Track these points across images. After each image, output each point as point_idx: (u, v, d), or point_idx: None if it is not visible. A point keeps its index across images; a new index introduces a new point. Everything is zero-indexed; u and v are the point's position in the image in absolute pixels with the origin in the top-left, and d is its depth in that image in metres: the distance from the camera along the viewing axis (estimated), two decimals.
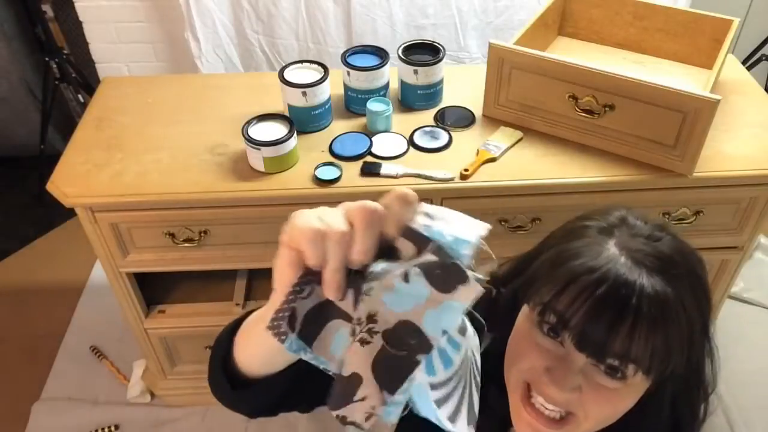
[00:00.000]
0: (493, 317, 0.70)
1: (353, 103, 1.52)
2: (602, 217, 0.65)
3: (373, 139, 1.44)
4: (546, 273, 0.64)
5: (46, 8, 2.42)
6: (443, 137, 1.44)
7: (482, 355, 0.68)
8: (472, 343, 0.57)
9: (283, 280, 0.50)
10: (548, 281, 0.62)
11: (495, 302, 0.73)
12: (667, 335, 0.59)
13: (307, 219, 0.49)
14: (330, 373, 0.52)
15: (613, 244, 0.61)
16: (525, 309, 0.67)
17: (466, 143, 1.43)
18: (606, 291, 0.58)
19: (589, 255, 0.61)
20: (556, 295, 0.61)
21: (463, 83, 1.59)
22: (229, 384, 0.70)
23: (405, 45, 1.53)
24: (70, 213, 1.38)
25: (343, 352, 0.50)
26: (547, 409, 0.64)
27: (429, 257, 0.49)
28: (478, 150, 1.40)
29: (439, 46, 1.51)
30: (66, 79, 2.41)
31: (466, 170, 1.34)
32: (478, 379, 0.58)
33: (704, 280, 0.64)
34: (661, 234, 0.63)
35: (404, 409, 0.50)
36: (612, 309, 0.58)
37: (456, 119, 1.50)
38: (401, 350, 0.48)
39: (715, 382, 0.70)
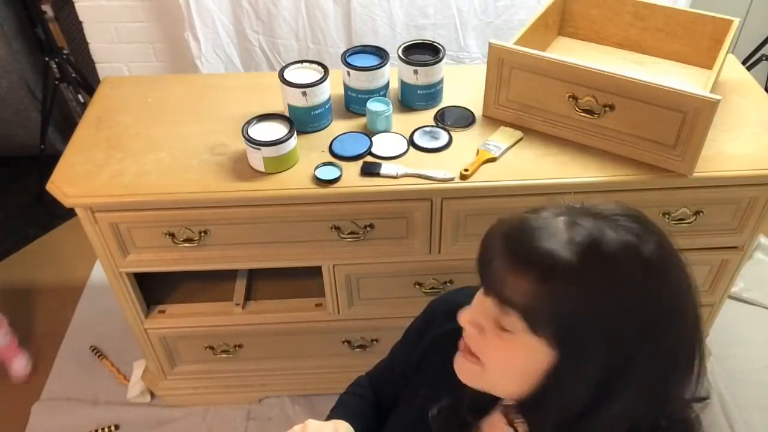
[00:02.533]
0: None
1: (353, 103, 1.52)
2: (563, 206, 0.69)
3: (373, 139, 1.44)
4: (487, 233, 0.69)
5: (46, 8, 2.42)
6: (443, 137, 1.44)
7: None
8: None
9: None
10: (486, 238, 0.68)
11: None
12: (554, 297, 0.61)
13: None
14: None
15: (554, 210, 0.66)
16: None
17: (466, 143, 1.43)
18: (514, 234, 0.64)
19: (525, 212, 0.67)
20: (485, 242, 0.67)
21: (463, 83, 1.59)
22: None
23: (405, 45, 1.53)
24: (70, 213, 1.38)
25: None
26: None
27: None
28: (478, 150, 1.40)
29: (439, 46, 1.51)
30: (66, 79, 2.41)
31: (466, 170, 1.34)
32: None
33: (636, 280, 0.62)
34: (620, 217, 0.65)
35: None
36: (511, 250, 0.63)
37: (456, 119, 1.50)
38: None
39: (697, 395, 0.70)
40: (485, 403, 0.80)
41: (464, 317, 0.70)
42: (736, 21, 1.49)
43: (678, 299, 0.65)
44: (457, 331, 0.78)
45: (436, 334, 0.91)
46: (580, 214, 0.65)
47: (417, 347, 0.93)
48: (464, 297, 0.91)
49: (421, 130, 1.46)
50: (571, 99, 1.35)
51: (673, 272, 0.65)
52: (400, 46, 1.52)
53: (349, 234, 1.43)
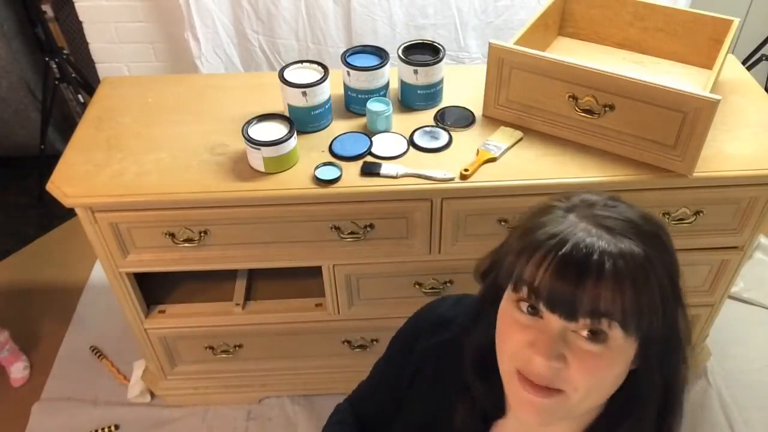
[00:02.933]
0: (478, 312, 0.75)
1: (353, 103, 1.52)
2: (565, 200, 0.69)
3: (373, 139, 1.44)
4: (514, 248, 0.67)
5: (46, 8, 2.42)
6: (443, 137, 1.44)
7: (471, 349, 0.73)
8: None
9: None
10: (517, 255, 0.65)
11: (481, 297, 0.76)
12: (636, 289, 0.61)
13: None
14: None
15: (573, 216, 0.66)
16: (505, 294, 0.69)
17: (466, 143, 1.43)
18: (568, 250, 0.61)
19: (552, 224, 0.64)
20: (523, 265, 0.64)
21: (463, 83, 1.59)
22: None
23: (405, 45, 1.53)
24: (70, 213, 1.38)
25: None
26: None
27: None
28: (478, 150, 1.40)
29: (439, 46, 1.51)
30: (66, 79, 2.41)
31: (466, 170, 1.34)
32: None
33: (665, 240, 0.68)
34: (615, 203, 0.70)
35: None
36: (575, 266, 0.61)
37: (456, 119, 1.50)
38: None
39: (689, 340, 0.71)
40: (494, 410, 0.79)
41: (542, 363, 0.63)
42: (736, 21, 1.49)
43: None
44: (446, 343, 0.78)
45: (424, 348, 0.89)
46: (585, 209, 0.67)
47: (405, 364, 0.91)
48: (447, 308, 0.91)
49: (421, 130, 1.46)
50: (571, 99, 1.35)
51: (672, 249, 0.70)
52: (400, 46, 1.52)
53: (349, 234, 1.43)
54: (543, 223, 0.66)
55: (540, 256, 0.63)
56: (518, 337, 0.65)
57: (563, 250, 0.61)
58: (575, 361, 0.63)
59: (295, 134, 1.36)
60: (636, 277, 0.61)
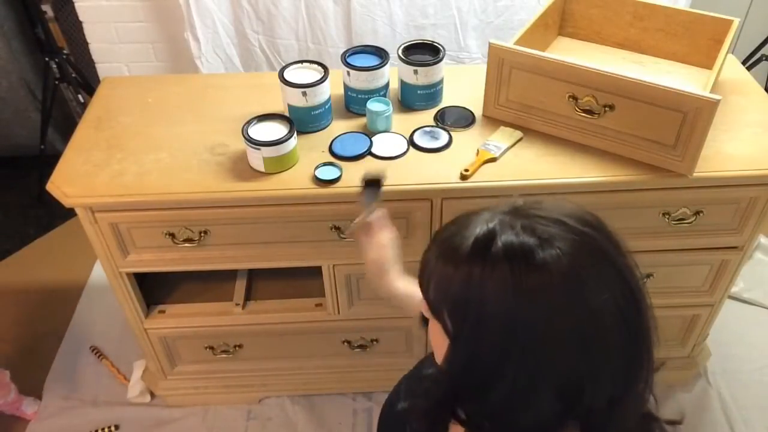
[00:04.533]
0: None
1: (353, 103, 1.52)
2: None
3: (373, 139, 1.44)
4: None
5: (46, 8, 2.42)
6: (443, 137, 1.44)
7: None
8: None
9: None
10: None
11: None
12: (444, 283, 0.66)
13: None
14: None
15: (494, 209, 0.69)
16: None
17: (466, 143, 1.43)
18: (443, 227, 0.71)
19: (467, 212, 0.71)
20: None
21: (463, 83, 1.59)
22: None
23: (405, 45, 1.53)
24: (70, 213, 1.38)
25: None
26: None
27: None
28: (478, 150, 1.40)
29: (439, 46, 1.51)
30: (66, 79, 2.41)
31: (466, 170, 1.34)
32: None
33: (515, 281, 0.62)
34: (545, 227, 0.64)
35: None
36: (430, 241, 0.71)
37: (456, 119, 1.50)
38: None
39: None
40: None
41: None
42: (736, 21, 1.49)
43: (575, 315, 0.62)
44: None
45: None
46: (507, 213, 0.67)
47: None
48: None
49: (421, 130, 1.46)
50: (571, 99, 1.35)
51: (579, 287, 0.62)
52: (400, 46, 1.52)
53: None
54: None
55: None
56: None
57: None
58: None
59: (295, 134, 1.36)
60: (444, 264, 0.66)
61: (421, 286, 0.71)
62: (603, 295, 0.62)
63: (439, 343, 0.70)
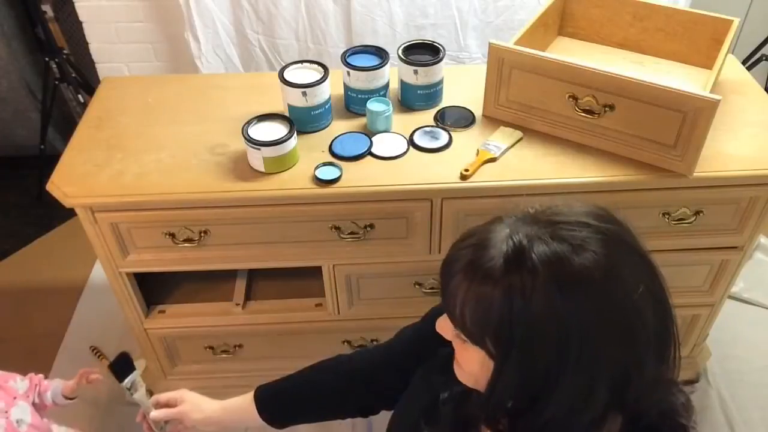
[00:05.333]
0: None
1: (353, 103, 1.52)
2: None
3: (373, 139, 1.44)
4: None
5: (46, 8, 2.42)
6: (443, 137, 1.44)
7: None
8: None
9: None
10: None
11: None
12: (483, 307, 0.64)
13: None
14: None
15: (508, 220, 0.68)
16: None
17: (466, 143, 1.43)
18: (455, 248, 0.70)
19: (481, 225, 0.71)
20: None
21: (463, 83, 1.59)
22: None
23: (405, 45, 1.53)
24: (70, 213, 1.38)
25: None
26: None
27: None
28: (478, 150, 1.40)
29: (439, 46, 1.51)
30: (66, 79, 2.41)
31: (466, 170, 1.34)
32: None
33: (559, 290, 0.62)
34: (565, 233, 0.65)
35: None
36: (445, 268, 0.69)
37: (456, 119, 1.50)
38: None
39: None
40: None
41: (440, 327, 0.75)
42: (736, 21, 1.49)
43: (621, 310, 0.63)
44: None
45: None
46: (526, 223, 0.66)
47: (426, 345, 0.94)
48: None
49: (421, 130, 1.46)
50: (571, 99, 1.35)
51: (619, 282, 0.63)
52: (400, 46, 1.52)
53: (349, 234, 1.43)
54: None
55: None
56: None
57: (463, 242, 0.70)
58: (457, 345, 0.73)
59: (295, 134, 1.36)
60: (478, 286, 0.65)
61: (454, 317, 0.68)
62: (639, 283, 0.64)
63: (474, 369, 0.70)
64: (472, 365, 0.70)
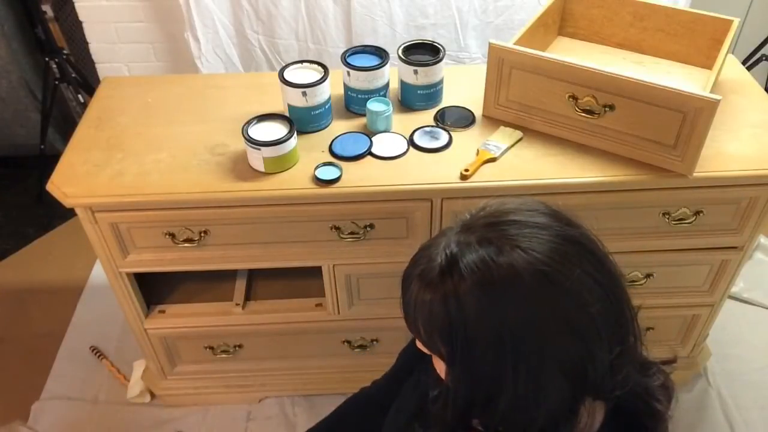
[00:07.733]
0: None
1: (353, 103, 1.52)
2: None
3: (373, 139, 1.44)
4: None
5: (46, 8, 2.42)
6: (443, 137, 1.44)
7: None
8: None
9: None
10: None
11: None
12: (429, 313, 0.68)
13: None
14: None
15: (455, 230, 0.72)
16: None
17: (466, 143, 1.43)
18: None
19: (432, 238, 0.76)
20: None
21: (463, 83, 1.59)
22: None
23: (405, 45, 1.53)
24: (70, 213, 1.38)
25: None
26: None
27: None
28: (478, 150, 1.40)
29: (439, 46, 1.51)
30: (66, 79, 2.41)
31: (466, 170, 1.34)
32: None
33: (488, 293, 0.65)
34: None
35: None
36: (402, 284, 0.75)
37: (456, 119, 1.50)
38: None
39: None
40: None
41: (417, 341, 0.78)
42: (736, 21, 1.49)
43: (558, 304, 0.64)
44: None
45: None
46: (461, 231, 0.70)
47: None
48: None
49: (421, 130, 1.46)
50: (571, 99, 1.35)
51: (553, 276, 0.64)
52: (400, 46, 1.52)
53: (349, 234, 1.43)
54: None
55: None
56: None
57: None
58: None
59: (295, 134, 1.36)
60: (420, 294, 0.69)
61: (411, 327, 0.73)
62: (574, 272, 0.64)
63: (443, 371, 0.73)
64: (439, 368, 0.74)
